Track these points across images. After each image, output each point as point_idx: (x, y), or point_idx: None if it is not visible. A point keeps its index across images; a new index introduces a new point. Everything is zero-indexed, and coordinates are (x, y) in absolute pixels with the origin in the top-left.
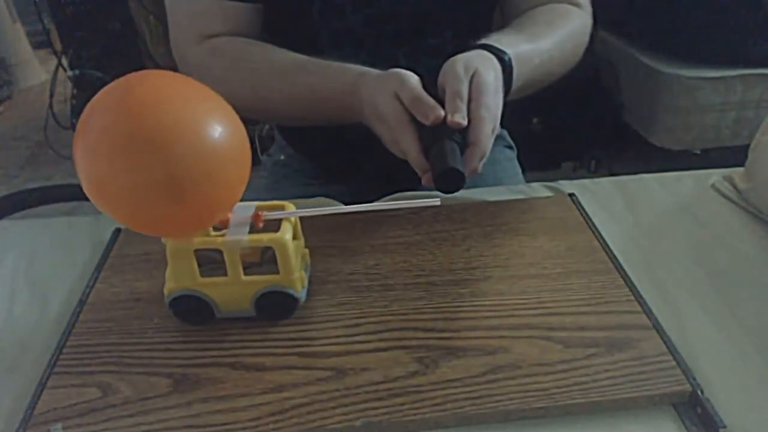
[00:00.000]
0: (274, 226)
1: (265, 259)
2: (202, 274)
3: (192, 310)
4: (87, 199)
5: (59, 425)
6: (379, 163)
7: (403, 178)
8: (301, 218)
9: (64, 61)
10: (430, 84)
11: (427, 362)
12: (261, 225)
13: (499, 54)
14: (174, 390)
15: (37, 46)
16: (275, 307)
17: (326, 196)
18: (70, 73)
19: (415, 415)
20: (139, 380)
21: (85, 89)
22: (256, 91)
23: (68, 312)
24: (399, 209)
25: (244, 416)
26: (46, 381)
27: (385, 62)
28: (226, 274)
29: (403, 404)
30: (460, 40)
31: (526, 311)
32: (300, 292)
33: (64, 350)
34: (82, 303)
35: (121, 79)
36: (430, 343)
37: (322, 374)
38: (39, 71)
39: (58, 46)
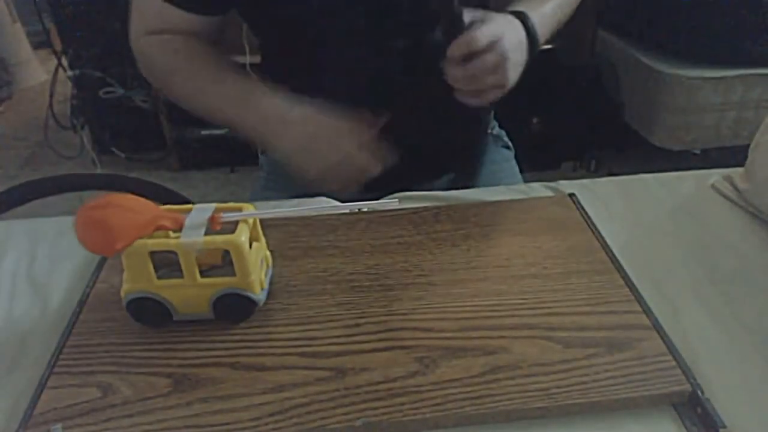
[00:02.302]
0: (234, 227)
1: (226, 261)
2: (162, 277)
3: (149, 313)
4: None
5: (59, 425)
6: (398, 169)
7: (397, 179)
8: (295, 219)
9: (64, 61)
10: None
11: (427, 362)
12: (218, 227)
13: (523, 20)
14: (174, 390)
15: (37, 46)
16: (233, 309)
17: (324, 195)
18: (70, 73)
19: (415, 415)
20: (139, 380)
21: (85, 89)
22: (190, 96)
23: (68, 312)
24: (402, 210)
25: (244, 416)
26: (46, 381)
27: (382, 56)
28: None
29: (403, 404)
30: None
31: (526, 311)
32: (259, 294)
33: (64, 350)
34: (82, 303)
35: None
36: (430, 343)
37: (322, 374)
38: (39, 71)
39: (58, 46)
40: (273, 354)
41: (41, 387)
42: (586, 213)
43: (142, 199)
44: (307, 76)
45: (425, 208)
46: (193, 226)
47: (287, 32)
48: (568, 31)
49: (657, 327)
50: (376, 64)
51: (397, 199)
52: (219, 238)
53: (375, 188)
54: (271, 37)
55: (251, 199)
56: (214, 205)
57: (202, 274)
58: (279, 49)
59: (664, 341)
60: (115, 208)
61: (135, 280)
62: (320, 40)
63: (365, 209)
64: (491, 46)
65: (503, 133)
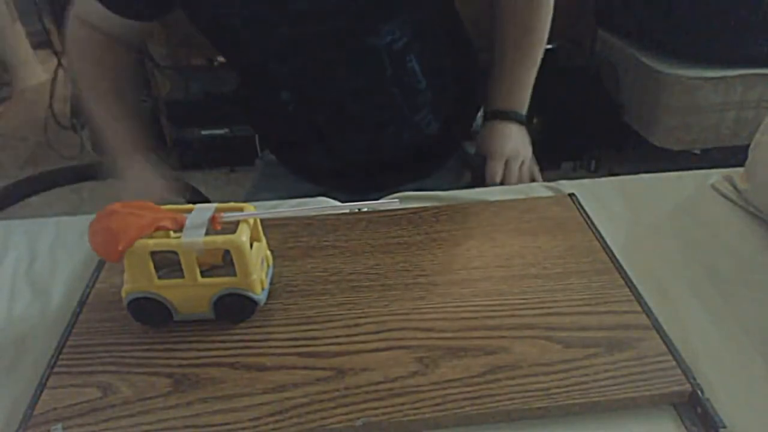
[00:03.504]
0: (235, 228)
1: (227, 261)
2: (163, 277)
3: (150, 313)
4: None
5: (59, 425)
6: (363, 172)
7: (388, 181)
8: (295, 219)
9: (64, 61)
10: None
11: (427, 362)
12: (219, 227)
13: (516, 118)
14: (174, 390)
15: (37, 46)
16: (234, 309)
17: (318, 194)
18: (70, 73)
19: (415, 415)
20: (139, 380)
21: None
22: (83, 99)
23: (68, 312)
24: (399, 210)
25: (244, 416)
26: (46, 381)
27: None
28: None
29: (403, 404)
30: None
31: (526, 311)
32: (260, 294)
33: (64, 350)
34: (82, 303)
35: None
36: (430, 343)
37: (322, 374)
38: (39, 71)
39: (58, 46)
40: (273, 354)
41: (41, 387)
42: (586, 213)
43: (143, 202)
44: (258, 83)
45: (425, 208)
46: (193, 226)
47: (233, 44)
48: (568, 31)
49: (657, 327)
50: (324, 73)
51: (397, 199)
52: (220, 238)
53: (366, 189)
54: (224, 50)
55: (244, 200)
56: (214, 205)
57: (203, 274)
58: (230, 60)
59: (664, 341)
60: (117, 213)
61: (136, 280)
62: (264, 52)
63: (365, 209)
64: (506, 165)
65: None
